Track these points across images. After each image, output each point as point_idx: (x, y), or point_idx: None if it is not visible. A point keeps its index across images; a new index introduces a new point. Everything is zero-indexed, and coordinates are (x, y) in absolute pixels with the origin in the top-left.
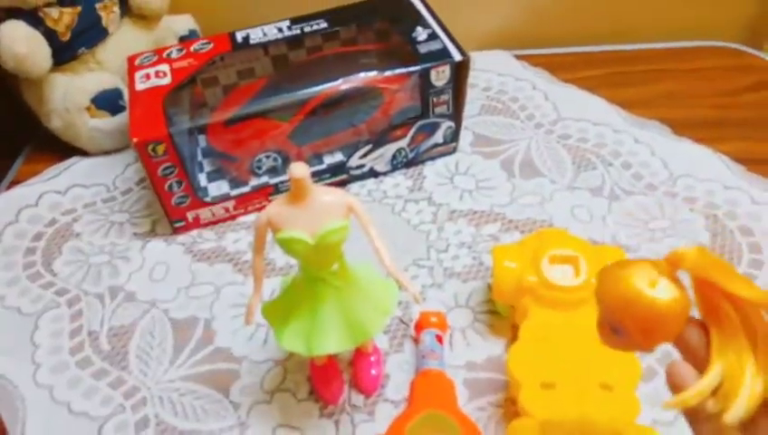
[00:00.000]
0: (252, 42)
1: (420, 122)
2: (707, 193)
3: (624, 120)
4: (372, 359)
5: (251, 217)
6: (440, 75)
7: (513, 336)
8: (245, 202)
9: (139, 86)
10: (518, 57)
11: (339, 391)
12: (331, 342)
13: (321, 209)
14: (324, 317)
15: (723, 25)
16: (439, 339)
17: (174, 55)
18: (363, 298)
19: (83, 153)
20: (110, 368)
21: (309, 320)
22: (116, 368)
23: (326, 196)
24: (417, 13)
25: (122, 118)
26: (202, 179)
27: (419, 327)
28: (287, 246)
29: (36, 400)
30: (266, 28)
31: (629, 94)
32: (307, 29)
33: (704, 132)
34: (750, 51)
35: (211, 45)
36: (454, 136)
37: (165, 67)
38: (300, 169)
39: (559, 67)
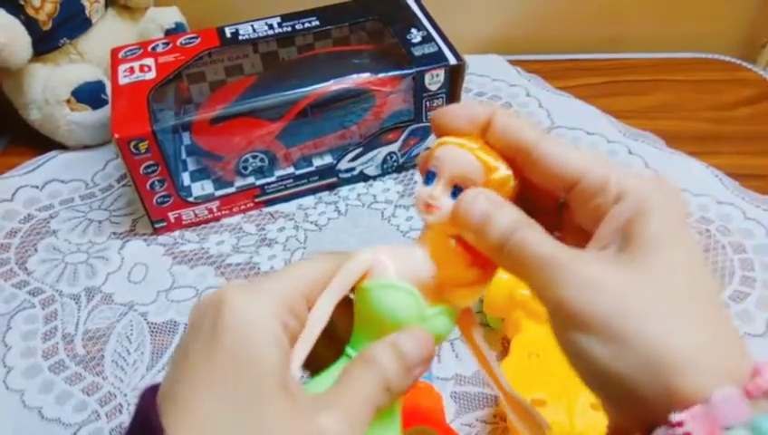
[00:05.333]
0: (241, 37)
1: (412, 126)
2: (700, 207)
3: (618, 130)
4: None
5: (235, 219)
6: (434, 79)
7: (503, 350)
8: (230, 203)
9: (123, 80)
10: (512, 63)
11: None
12: None
13: None
14: None
15: (718, 38)
16: None
17: (159, 49)
18: None
19: (62, 147)
20: (84, 373)
21: None
22: (91, 373)
23: None
24: (412, 14)
25: (104, 112)
26: (185, 179)
27: None
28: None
29: (6, 405)
30: (256, 24)
31: (624, 104)
32: (298, 26)
33: (697, 146)
34: (745, 64)
35: (198, 40)
36: None
37: (150, 61)
38: None
39: (553, 74)
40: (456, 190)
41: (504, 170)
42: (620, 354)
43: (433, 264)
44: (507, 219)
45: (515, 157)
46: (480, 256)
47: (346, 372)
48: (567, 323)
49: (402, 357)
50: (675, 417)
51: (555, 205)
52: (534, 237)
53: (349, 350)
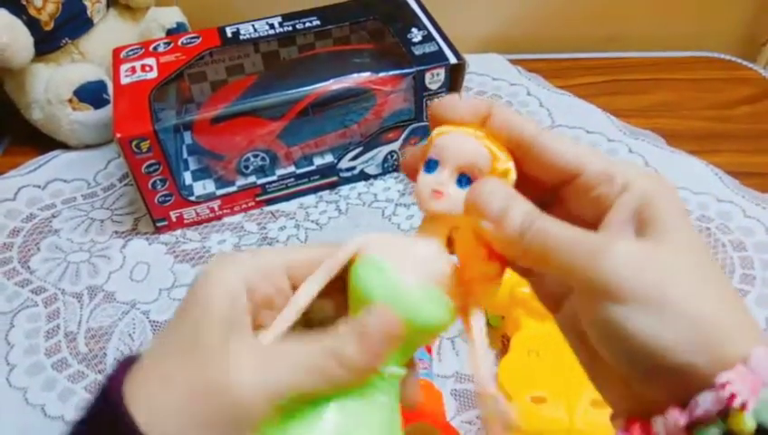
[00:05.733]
0: (242, 37)
1: (413, 125)
2: (700, 206)
3: (618, 129)
4: None
5: (237, 218)
6: (435, 78)
7: (503, 347)
8: (231, 202)
9: (125, 80)
10: (513, 62)
11: None
12: None
13: None
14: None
15: (718, 37)
16: (428, 348)
17: (161, 49)
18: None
19: (64, 146)
20: (87, 371)
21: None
22: (93, 371)
23: None
24: (413, 13)
25: (105, 111)
26: (187, 178)
27: None
28: None
29: (9, 402)
30: (257, 24)
31: (624, 103)
32: (299, 26)
33: (698, 144)
34: (745, 63)
35: (199, 40)
36: None
37: (151, 61)
38: None
39: (554, 73)
40: (462, 178)
41: (507, 161)
42: (666, 325)
43: (441, 253)
44: (525, 208)
45: (515, 150)
46: (493, 250)
47: (301, 337)
48: (605, 298)
49: (361, 331)
50: (721, 377)
51: (543, 198)
52: (554, 224)
53: None
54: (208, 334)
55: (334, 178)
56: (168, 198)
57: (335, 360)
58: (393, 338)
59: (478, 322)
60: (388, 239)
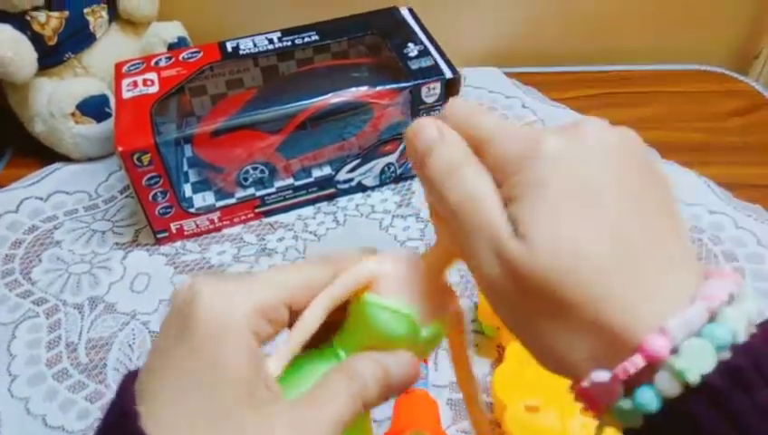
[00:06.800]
0: (242, 52)
1: None
2: (693, 217)
3: None
4: None
5: (236, 230)
6: (431, 92)
7: (498, 357)
8: (231, 214)
9: (126, 94)
10: (508, 75)
11: None
12: None
13: None
14: None
15: (710, 50)
16: (424, 359)
17: (162, 63)
18: None
19: (66, 159)
20: (87, 381)
21: None
22: (94, 381)
23: None
24: (410, 29)
25: (107, 125)
26: (187, 190)
27: None
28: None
29: (11, 412)
30: (257, 39)
31: (618, 115)
32: (298, 41)
33: (690, 156)
34: (737, 76)
35: (200, 54)
36: None
37: (153, 75)
38: None
39: (549, 86)
40: None
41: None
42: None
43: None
44: (454, 152)
45: (476, 150)
46: None
47: (327, 382)
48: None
49: (386, 379)
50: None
51: None
52: (479, 179)
53: (336, 346)
54: (234, 404)
55: (332, 190)
56: (168, 210)
57: (362, 404)
58: (413, 378)
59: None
60: (400, 274)
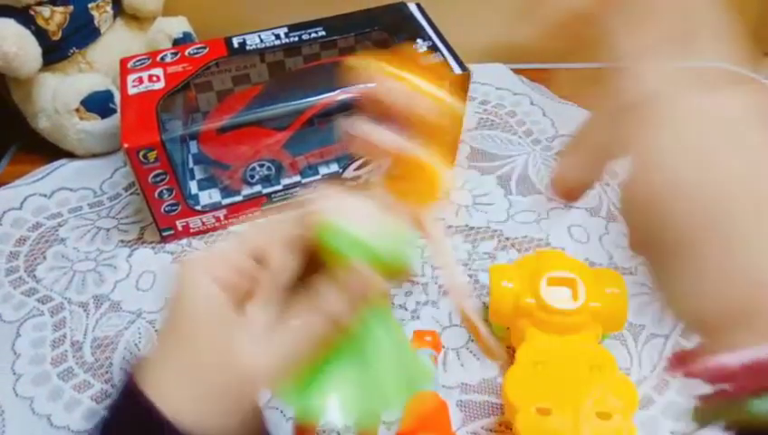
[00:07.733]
0: (248, 47)
1: None
2: None
3: None
4: None
5: (242, 227)
6: None
7: (508, 359)
8: (237, 211)
9: (132, 90)
10: (517, 72)
11: None
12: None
13: None
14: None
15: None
16: (433, 359)
17: (168, 59)
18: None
19: (71, 155)
20: (93, 380)
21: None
22: (99, 380)
23: None
24: (417, 24)
25: (112, 121)
26: (193, 187)
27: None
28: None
29: (16, 412)
30: (263, 34)
31: None
32: (305, 37)
33: None
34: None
35: (206, 50)
36: None
37: (158, 71)
38: None
39: (557, 83)
40: None
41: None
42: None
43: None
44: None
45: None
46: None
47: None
48: None
49: (344, 288)
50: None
51: None
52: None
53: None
54: (205, 334)
55: None
56: (174, 208)
57: (325, 318)
58: (371, 285)
59: (429, 219)
60: (341, 204)
